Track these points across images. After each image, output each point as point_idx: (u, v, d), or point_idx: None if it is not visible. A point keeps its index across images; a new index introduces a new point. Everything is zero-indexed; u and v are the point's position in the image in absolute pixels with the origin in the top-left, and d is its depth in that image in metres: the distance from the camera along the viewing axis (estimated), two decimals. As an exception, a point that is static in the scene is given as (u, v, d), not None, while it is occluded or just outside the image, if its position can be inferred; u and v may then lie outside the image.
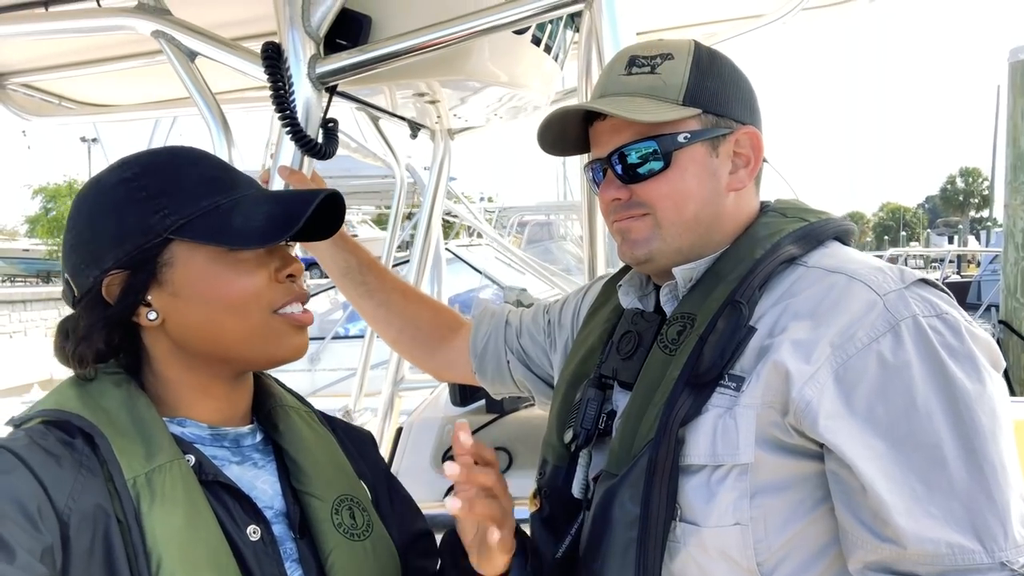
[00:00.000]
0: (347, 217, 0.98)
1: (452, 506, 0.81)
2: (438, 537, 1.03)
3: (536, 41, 1.74)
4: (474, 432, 0.91)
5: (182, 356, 0.87)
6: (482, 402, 2.58)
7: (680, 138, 0.97)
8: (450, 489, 2.16)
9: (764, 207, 1.06)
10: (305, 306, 0.91)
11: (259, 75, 1.45)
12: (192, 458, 0.82)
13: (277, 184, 1.45)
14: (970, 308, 9.61)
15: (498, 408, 2.50)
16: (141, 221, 0.83)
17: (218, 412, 0.90)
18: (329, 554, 0.87)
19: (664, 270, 1.02)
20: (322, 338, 7.08)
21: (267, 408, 0.96)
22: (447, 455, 2.50)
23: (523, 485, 1.17)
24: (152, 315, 0.85)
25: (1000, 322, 7.15)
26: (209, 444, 0.88)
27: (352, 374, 3.21)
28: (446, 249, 5.61)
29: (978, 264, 16.68)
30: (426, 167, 2.77)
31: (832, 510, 0.87)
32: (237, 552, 0.80)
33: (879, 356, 0.84)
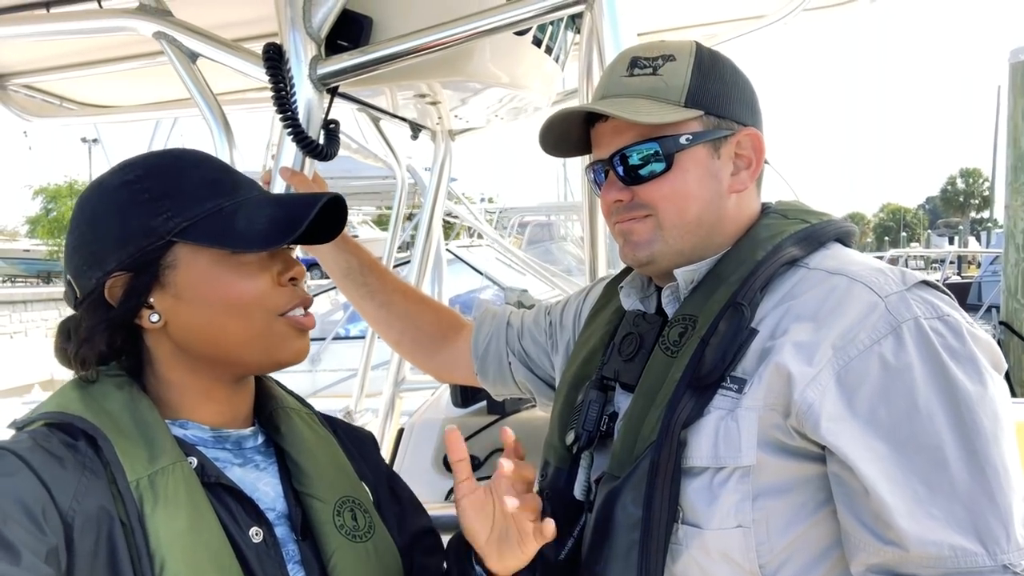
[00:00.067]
0: (348, 218, 0.98)
1: (508, 503, 0.84)
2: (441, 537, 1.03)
3: (537, 42, 1.74)
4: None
5: (184, 358, 0.87)
6: (483, 403, 2.58)
7: (682, 140, 0.97)
8: (451, 491, 2.16)
9: (765, 208, 1.06)
10: (307, 310, 0.91)
11: (260, 76, 1.45)
12: (194, 460, 0.83)
13: (279, 185, 1.45)
14: (971, 309, 9.61)
15: (499, 409, 2.50)
16: (144, 223, 0.83)
17: (220, 414, 0.90)
18: (331, 556, 0.88)
19: (666, 272, 1.02)
20: (323, 339, 7.08)
21: (268, 410, 0.96)
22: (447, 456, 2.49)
23: (524, 486, 1.17)
24: (154, 317, 0.85)
25: (1001, 323, 7.15)
26: (211, 446, 0.88)
27: (353, 375, 3.21)
28: (447, 250, 5.61)
29: (978, 265, 16.68)
30: (427, 168, 2.77)
31: (834, 512, 0.87)
32: (240, 554, 0.80)
33: (881, 358, 0.84)
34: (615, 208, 1.03)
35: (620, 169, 1.00)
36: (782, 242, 0.97)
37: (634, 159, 0.99)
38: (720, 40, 2.25)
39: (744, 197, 1.03)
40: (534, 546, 0.88)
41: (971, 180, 77.00)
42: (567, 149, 1.11)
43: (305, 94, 1.45)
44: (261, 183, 1.32)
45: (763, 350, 0.90)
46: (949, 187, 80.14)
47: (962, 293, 11.69)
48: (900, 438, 0.82)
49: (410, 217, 4.56)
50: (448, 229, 11.49)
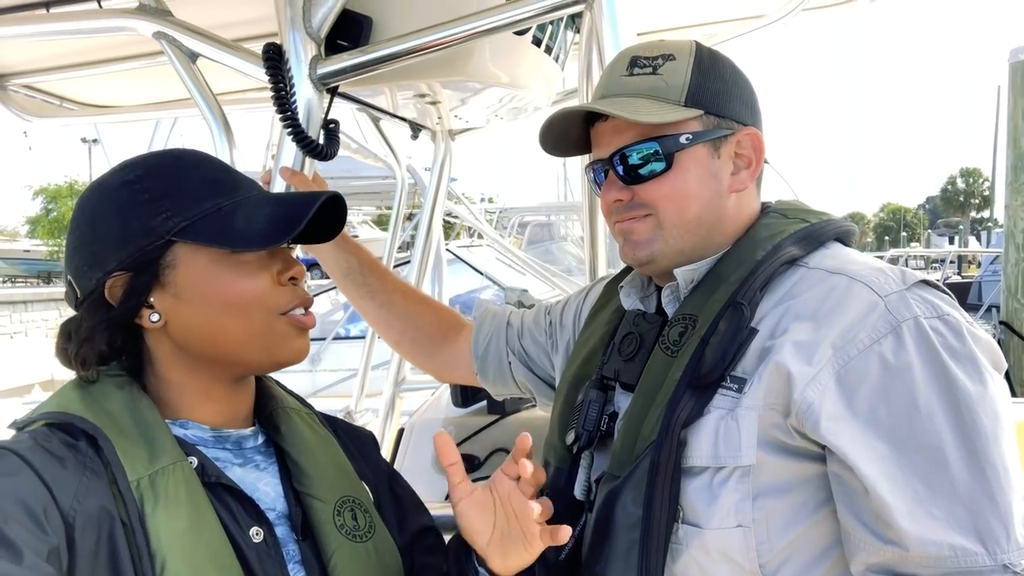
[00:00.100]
0: (348, 218, 0.98)
1: (533, 509, 0.86)
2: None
3: (537, 42, 1.74)
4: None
5: (184, 358, 0.87)
6: (483, 403, 2.58)
7: (682, 139, 0.97)
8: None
9: (765, 208, 1.06)
10: (308, 309, 0.91)
11: (260, 76, 1.45)
12: (195, 460, 0.83)
13: (279, 185, 1.45)
14: (971, 309, 9.61)
15: (499, 409, 2.50)
16: (144, 223, 0.83)
17: (220, 414, 0.90)
18: (331, 555, 0.88)
19: (666, 271, 1.02)
20: (323, 339, 7.08)
21: (268, 410, 0.96)
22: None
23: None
24: (154, 317, 0.85)
25: (1001, 323, 7.15)
26: (211, 446, 0.88)
27: (353, 375, 3.21)
28: (447, 250, 5.61)
29: (979, 265, 16.68)
30: (427, 168, 2.77)
31: (834, 512, 0.87)
32: (240, 553, 0.80)
33: (881, 358, 0.84)
34: (615, 208, 1.03)
35: (620, 168, 1.00)
36: (782, 241, 0.97)
37: (634, 158, 0.99)
38: (720, 40, 2.25)
39: (744, 197, 1.03)
40: (540, 547, 0.88)
41: (971, 180, 76.99)
42: (567, 148, 1.11)
43: (305, 94, 1.45)
44: (261, 183, 1.32)
45: (763, 349, 0.90)
46: (949, 187, 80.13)
47: (962, 293, 11.69)
48: (900, 438, 0.82)
49: (410, 217, 4.56)
50: (448, 229, 11.49)
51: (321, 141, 1.48)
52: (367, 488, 0.99)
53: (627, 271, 1.16)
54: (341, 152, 1.64)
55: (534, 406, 1.53)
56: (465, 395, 2.57)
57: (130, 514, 0.75)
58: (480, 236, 7.50)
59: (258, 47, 1.46)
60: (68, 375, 0.88)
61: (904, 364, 0.83)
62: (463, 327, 1.45)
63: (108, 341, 0.86)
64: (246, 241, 0.83)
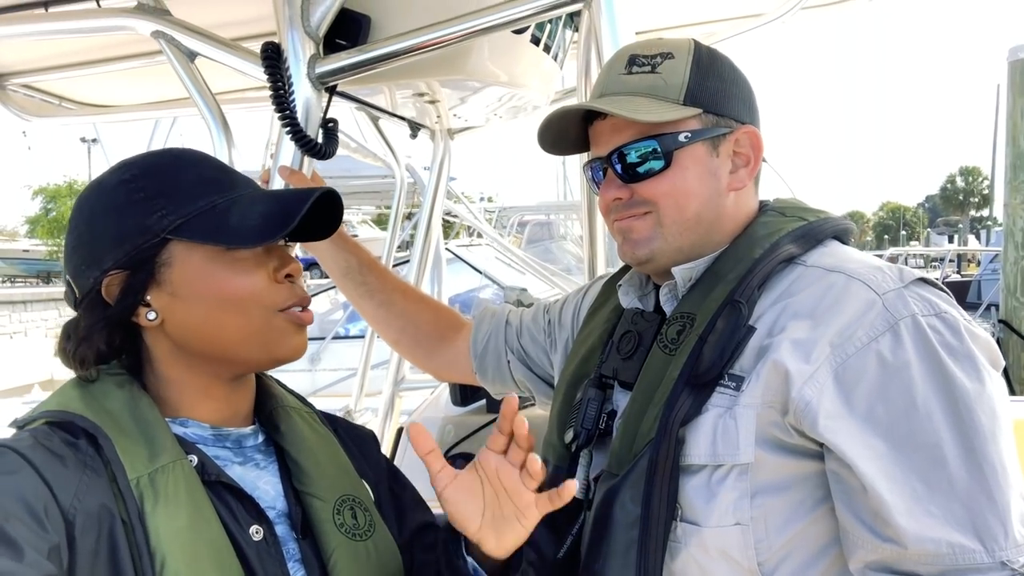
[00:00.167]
0: (347, 217, 0.98)
1: (528, 483, 0.84)
2: None
3: (535, 40, 1.74)
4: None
5: (182, 356, 0.87)
6: (483, 402, 2.58)
7: (681, 137, 0.98)
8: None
9: (763, 206, 1.06)
10: (305, 307, 0.91)
11: (259, 75, 1.45)
12: (195, 458, 0.83)
13: (277, 184, 1.45)
14: (970, 307, 9.61)
15: (499, 408, 2.49)
16: (139, 222, 0.83)
17: (219, 412, 0.90)
18: (331, 554, 0.88)
19: (664, 270, 1.02)
20: (322, 338, 7.09)
21: (268, 409, 0.97)
22: (448, 455, 2.50)
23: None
24: (151, 315, 0.85)
25: (1000, 321, 7.15)
26: (211, 444, 0.88)
27: (353, 374, 3.21)
28: (446, 249, 5.61)
29: (978, 263, 16.68)
30: (426, 167, 2.77)
31: (833, 510, 0.87)
32: (240, 552, 0.80)
33: (878, 355, 0.84)
34: (614, 206, 1.03)
35: (618, 167, 1.00)
36: (780, 240, 0.97)
37: (632, 157, 0.99)
38: (718, 39, 2.25)
39: (742, 195, 1.03)
40: (536, 517, 0.85)
41: (971, 178, 76.98)
42: (565, 147, 1.11)
43: (304, 93, 1.45)
44: (260, 182, 1.32)
45: (761, 348, 0.90)
46: (949, 185, 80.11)
47: (962, 291, 11.69)
48: (898, 436, 0.82)
49: (409, 216, 4.55)
50: (447, 228, 11.48)
51: (320, 140, 1.48)
52: (367, 487, 0.99)
53: (625, 270, 1.16)
54: (340, 151, 1.64)
55: (533, 405, 1.52)
56: (464, 394, 2.57)
57: (130, 512, 0.75)
58: (479, 235, 7.49)
59: (257, 46, 1.46)
60: (68, 375, 0.88)
61: (902, 362, 0.83)
62: (462, 326, 1.45)
63: (107, 340, 0.86)
64: (240, 238, 0.83)
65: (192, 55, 1.59)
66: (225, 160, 1.57)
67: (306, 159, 1.48)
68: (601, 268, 1.62)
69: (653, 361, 0.98)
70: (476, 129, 2.41)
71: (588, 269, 1.66)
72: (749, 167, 1.02)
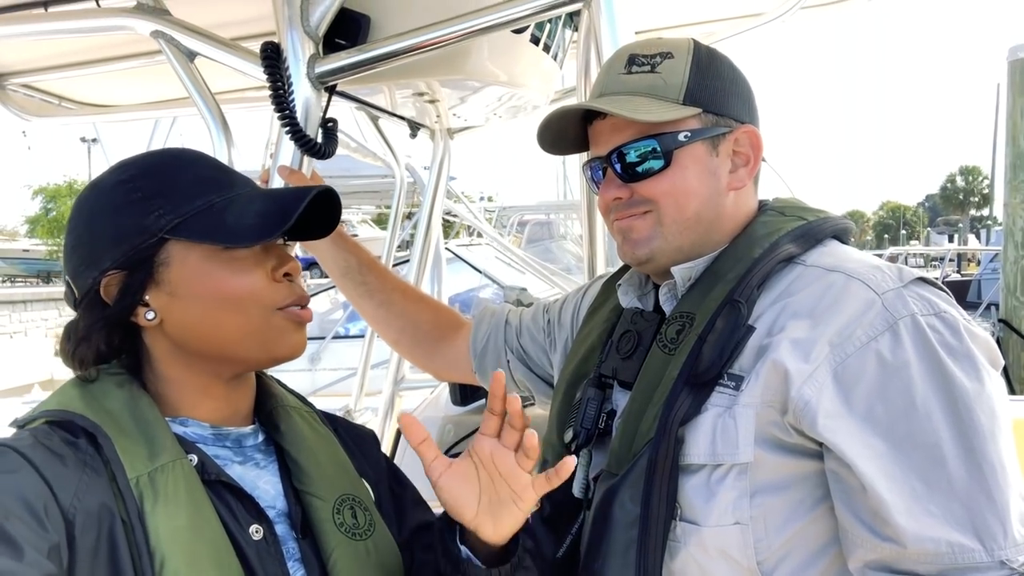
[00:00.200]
0: (347, 217, 0.98)
1: (524, 463, 0.84)
2: None
3: (535, 40, 1.74)
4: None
5: (181, 356, 0.87)
6: (483, 401, 2.58)
7: (680, 137, 0.98)
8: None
9: (762, 206, 1.06)
10: (304, 305, 0.91)
11: (258, 75, 1.45)
12: (195, 458, 0.83)
13: (277, 184, 1.45)
14: (970, 307, 9.61)
15: (498, 407, 2.49)
16: (137, 222, 0.83)
17: (219, 411, 0.90)
18: (331, 554, 0.88)
19: (664, 269, 1.02)
20: (322, 338, 7.08)
21: (268, 408, 0.97)
22: (448, 455, 2.49)
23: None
24: (150, 315, 0.85)
25: (1000, 320, 7.14)
26: (211, 444, 0.88)
27: (353, 374, 3.21)
28: (446, 249, 5.61)
29: (978, 263, 16.68)
30: (426, 167, 2.77)
31: (832, 509, 0.87)
32: (240, 551, 0.80)
33: (878, 355, 0.84)
34: (614, 205, 1.03)
35: (618, 166, 1.00)
36: (779, 239, 0.97)
37: (632, 156, 0.99)
38: (718, 38, 2.25)
39: (742, 194, 1.03)
40: (533, 499, 0.85)
41: (971, 178, 76.98)
42: (565, 147, 1.11)
43: (303, 93, 1.45)
44: (260, 182, 1.32)
45: (760, 347, 0.90)
46: (949, 185, 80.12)
47: (962, 291, 11.69)
48: (898, 435, 0.82)
49: (409, 216, 4.55)
50: (447, 228, 11.48)
51: (319, 140, 1.48)
52: (367, 486, 0.99)
53: (625, 269, 1.16)
54: (340, 151, 1.64)
55: (532, 404, 1.53)
56: (464, 393, 2.57)
57: (129, 511, 0.75)
58: (479, 235, 7.49)
59: (256, 46, 1.46)
60: (68, 375, 0.88)
61: (901, 362, 0.83)
62: (462, 326, 1.45)
63: (106, 340, 0.86)
64: (237, 237, 0.83)
65: (192, 55, 1.59)
66: (225, 160, 1.57)
67: (306, 159, 1.48)
68: (601, 268, 1.62)
69: (652, 361, 0.98)
70: (476, 129, 2.41)
71: (588, 269, 1.66)
72: (749, 167, 1.02)
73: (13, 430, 0.81)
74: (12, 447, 0.74)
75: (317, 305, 7.57)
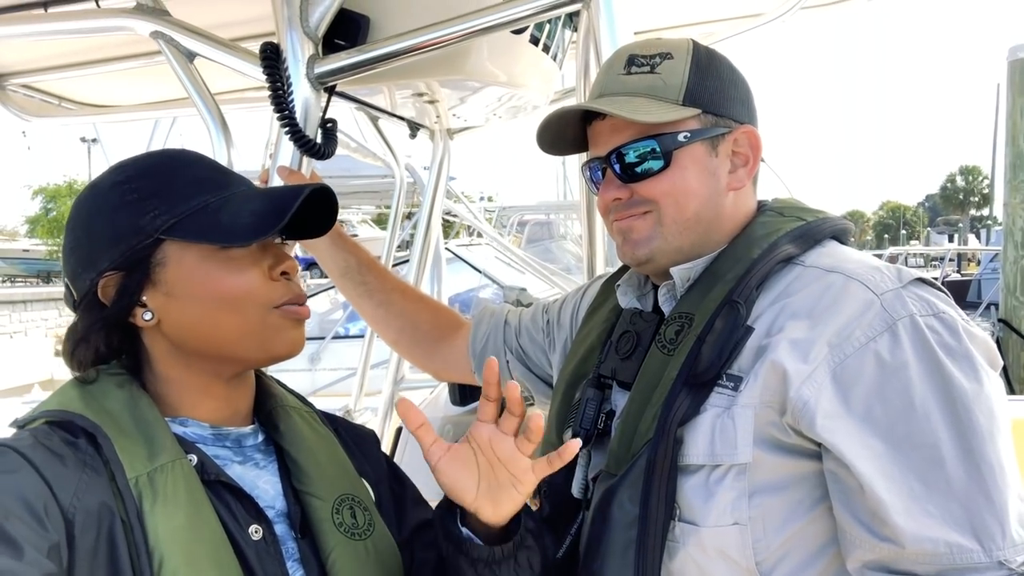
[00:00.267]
0: (347, 217, 0.98)
1: (524, 447, 0.83)
2: None
3: (534, 41, 1.74)
4: None
5: (180, 356, 0.87)
6: (482, 401, 2.57)
7: (680, 137, 0.98)
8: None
9: (762, 206, 1.07)
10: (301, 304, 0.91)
11: (258, 75, 1.45)
12: (194, 458, 0.83)
13: (276, 184, 1.45)
14: (970, 307, 9.61)
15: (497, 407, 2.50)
16: (133, 222, 0.84)
17: (218, 411, 0.90)
18: (330, 553, 0.88)
19: (663, 270, 1.02)
20: (322, 338, 7.08)
21: (268, 408, 0.97)
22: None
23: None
24: (148, 315, 0.85)
25: (1000, 320, 7.15)
26: (211, 444, 0.88)
27: (352, 374, 3.21)
28: (446, 249, 5.61)
29: (978, 263, 16.68)
30: (425, 167, 2.77)
31: (830, 509, 0.87)
32: (239, 551, 0.81)
33: (876, 356, 0.84)
34: (613, 206, 1.03)
35: (617, 167, 1.00)
36: (778, 240, 0.97)
37: (631, 157, 0.99)
38: (717, 39, 2.25)
39: (741, 195, 1.03)
40: (533, 482, 0.85)
41: (971, 178, 76.99)
42: (564, 147, 1.11)
43: (303, 93, 1.45)
44: (259, 183, 1.32)
45: (759, 348, 0.90)
46: (949, 185, 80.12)
47: (962, 291, 11.70)
48: (896, 436, 0.82)
49: (409, 216, 4.56)
50: (447, 228, 11.48)
51: (319, 140, 1.48)
52: (367, 486, 0.99)
53: (624, 270, 1.16)
54: (339, 151, 1.65)
55: (532, 404, 1.53)
56: (464, 393, 2.57)
57: (128, 511, 0.75)
58: (479, 235, 7.49)
59: (255, 46, 1.46)
60: (68, 375, 0.88)
61: (900, 362, 0.83)
62: (461, 326, 1.45)
63: (105, 341, 0.86)
64: (233, 236, 0.83)
65: (191, 55, 1.59)
66: (224, 160, 1.57)
67: (305, 159, 1.48)
68: (600, 268, 1.62)
69: (651, 361, 0.98)
70: (476, 129, 2.41)
71: (587, 269, 1.66)
72: (748, 167, 1.02)
73: (13, 430, 0.81)
74: (12, 447, 0.75)
75: (317, 305, 7.57)
